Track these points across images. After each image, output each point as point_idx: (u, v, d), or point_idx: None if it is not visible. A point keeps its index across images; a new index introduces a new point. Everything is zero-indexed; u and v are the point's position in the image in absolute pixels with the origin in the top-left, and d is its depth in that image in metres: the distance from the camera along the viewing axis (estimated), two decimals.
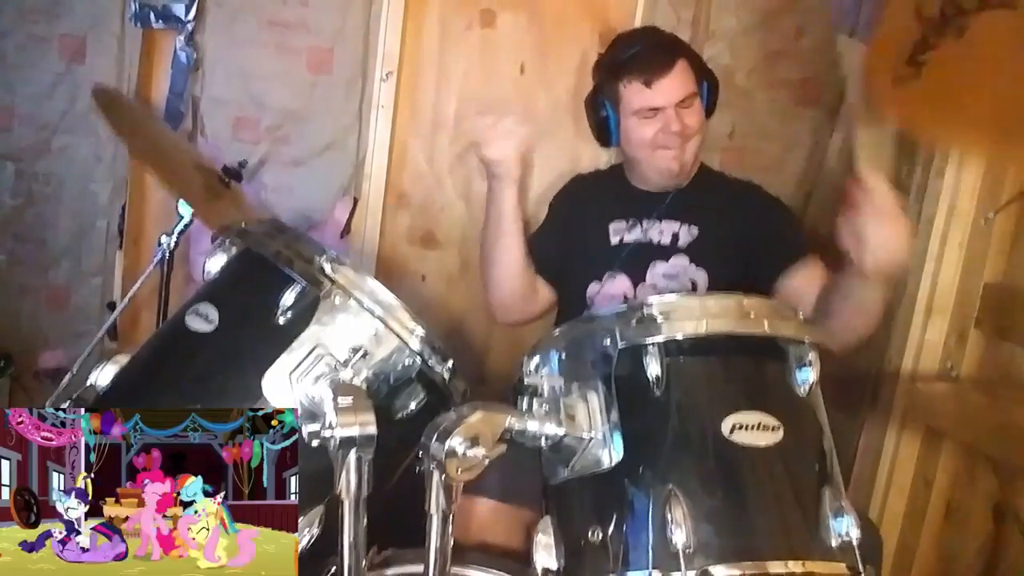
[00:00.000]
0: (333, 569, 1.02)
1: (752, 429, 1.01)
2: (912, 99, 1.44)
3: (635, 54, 1.74)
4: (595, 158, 2.20)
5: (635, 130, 1.75)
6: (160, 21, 2.11)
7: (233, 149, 2.17)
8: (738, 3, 2.13)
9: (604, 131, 1.81)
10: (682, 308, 1.08)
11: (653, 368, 1.03)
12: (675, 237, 1.79)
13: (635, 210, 1.84)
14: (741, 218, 1.79)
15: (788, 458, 1.04)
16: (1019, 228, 1.68)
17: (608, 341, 1.05)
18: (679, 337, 1.05)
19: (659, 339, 1.03)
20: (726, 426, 1.01)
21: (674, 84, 1.71)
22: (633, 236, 1.81)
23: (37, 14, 2.11)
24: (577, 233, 1.88)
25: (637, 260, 1.79)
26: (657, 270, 1.78)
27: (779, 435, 1.02)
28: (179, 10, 2.10)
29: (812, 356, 1.08)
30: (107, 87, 2.02)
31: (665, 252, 1.79)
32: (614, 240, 1.83)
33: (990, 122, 1.33)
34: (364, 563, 0.96)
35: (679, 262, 1.77)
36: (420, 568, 0.98)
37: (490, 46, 2.22)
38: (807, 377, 1.08)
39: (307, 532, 1.08)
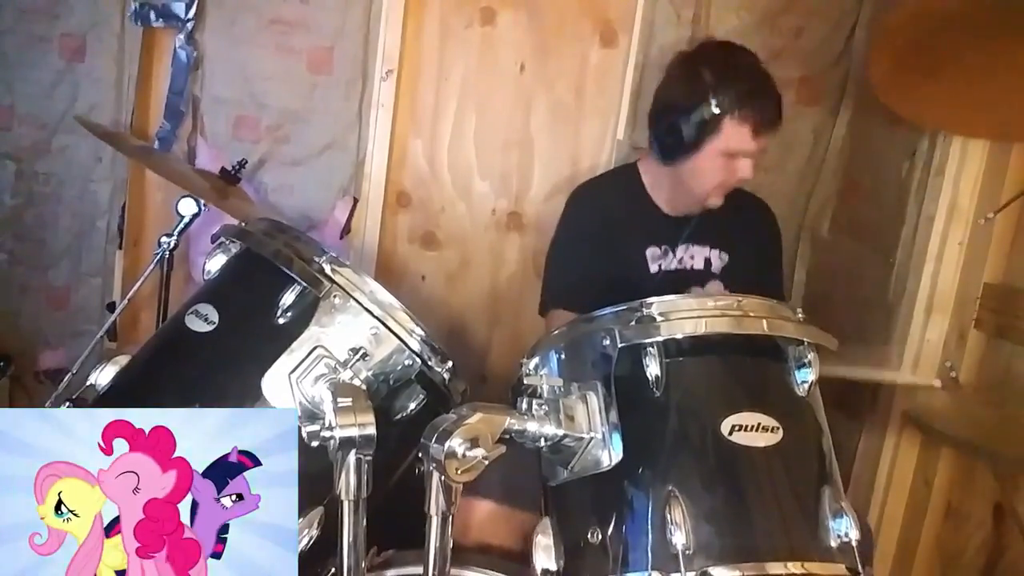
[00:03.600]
0: (333, 570, 1.02)
1: (751, 430, 1.01)
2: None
3: (754, 95, 1.58)
4: (595, 159, 2.20)
5: (715, 171, 1.62)
6: (160, 19, 2.11)
7: (233, 149, 2.17)
8: (739, 2, 2.13)
9: (677, 152, 1.63)
10: (681, 308, 1.07)
11: (652, 368, 1.03)
12: (707, 262, 1.78)
13: (666, 235, 1.77)
14: (757, 243, 1.82)
15: (787, 459, 1.04)
16: (1019, 228, 1.68)
17: (607, 341, 1.04)
18: (678, 337, 1.05)
19: (658, 339, 1.03)
20: (725, 426, 1.01)
21: (768, 140, 1.62)
22: (669, 264, 1.77)
23: (37, 14, 2.11)
24: (614, 262, 1.75)
25: (674, 287, 1.73)
26: None
27: (778, 436, 1.02)
28: (179, 8, 2.10)
29: (811, 356, 1.08)
30: (90, 120, 2.00)
31: (700, 277, 1.77)
32: (653, 268, 1.77)
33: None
34: (364, 564, 0.96)
35: (714, 288, 1.75)
36: (420, 569, 0.97)
37: (490, 45, 2.22)
38: (806, 377, 1.08)
39: (306, 533, 1.07)
